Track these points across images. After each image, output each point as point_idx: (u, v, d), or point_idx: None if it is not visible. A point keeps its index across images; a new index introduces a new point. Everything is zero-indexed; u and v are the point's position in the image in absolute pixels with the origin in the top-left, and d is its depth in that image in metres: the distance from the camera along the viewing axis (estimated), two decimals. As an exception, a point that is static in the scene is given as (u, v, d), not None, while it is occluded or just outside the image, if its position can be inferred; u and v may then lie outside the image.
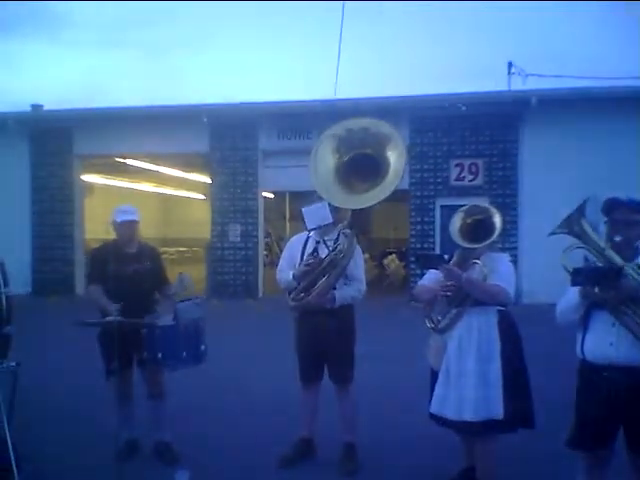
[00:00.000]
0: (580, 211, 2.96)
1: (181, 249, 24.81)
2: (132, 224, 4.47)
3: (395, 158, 4.04)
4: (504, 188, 13.18)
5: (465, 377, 3.54)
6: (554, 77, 22.43)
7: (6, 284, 3.65)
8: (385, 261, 16.30)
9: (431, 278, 3.78)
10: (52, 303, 12.80)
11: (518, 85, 17.90)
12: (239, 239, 14.12)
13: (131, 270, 4.39)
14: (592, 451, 3.02)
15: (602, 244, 2.88)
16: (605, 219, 2.95)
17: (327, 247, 4.12)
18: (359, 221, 4.20)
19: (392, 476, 4.06)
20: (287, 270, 4.23)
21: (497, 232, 3.52)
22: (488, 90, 13.44)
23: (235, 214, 14.22)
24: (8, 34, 60.35)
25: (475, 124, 13.18)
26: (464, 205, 3.75)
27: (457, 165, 13.57)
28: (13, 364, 3.69)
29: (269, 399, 5.70)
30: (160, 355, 4.01)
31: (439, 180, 13.67)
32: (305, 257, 4.15)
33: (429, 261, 3.80)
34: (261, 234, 14.53)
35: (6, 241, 14.40)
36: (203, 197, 21.49)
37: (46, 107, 15.99)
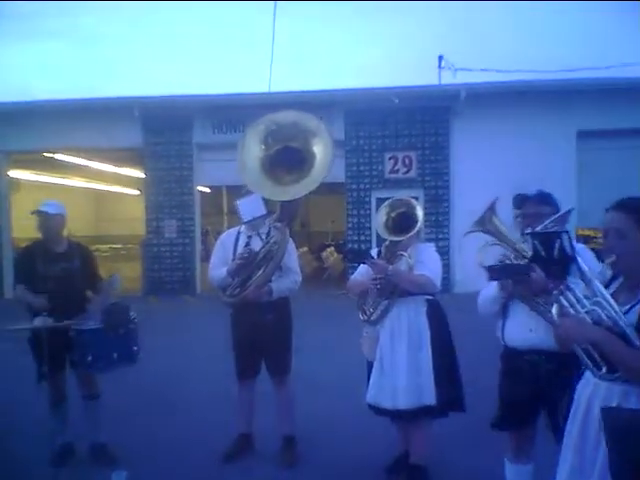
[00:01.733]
0: (492, 210, 3.10)
1: (115, 246, 24.22)
2: (52, 217, 4.33)
3: (321, 151, 4.09)
4: (437, 180, 13.51)
5: (398, 366, 3.66)
6: (481, 71, 23.10)
7: None
8: (323, 254, 16.42)
9: (362, 272, 3.87)
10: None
11: (448, 79, 18.36)
12: (175, 235, 13.93)
13: (59, 269, 4.29)
14: (517, 430, 3.18)
15: (513, 239, 3.03)
16: (517, 213, 3.11)
17: (261, 239, 4.14)
18: (288, 213, 4.24)
19: (330, 466, 4.13)
20: (220, 267, 4.22)
21: (419, 224, 3.65)
22: (420, 84, 13.70)
23: (171, 209, 14.01)
24: None
25: (408, 117, 13.44)
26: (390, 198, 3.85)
27: (391, 158, 13.81)
28: None
29: (207, 396, 5.68)
30: (90, 358, 3.97)
31: (374, 173, 13.88)
32: (238, 252, 4.16)
33: (356, 256, 3.89)
34: (198, 229, 14.37)
35: None
36: (137, 192, 21.04)
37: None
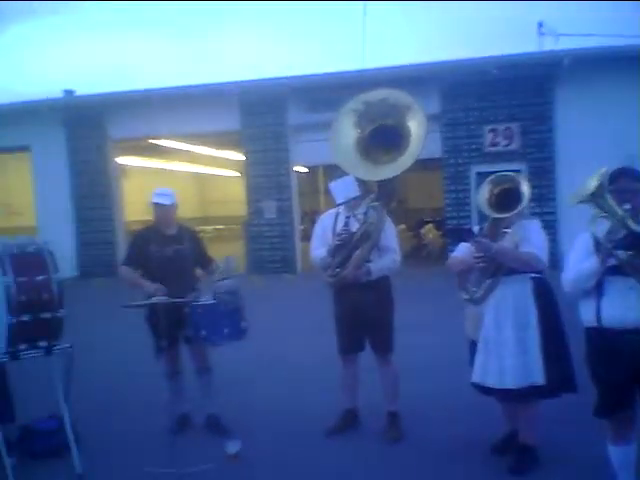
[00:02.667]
0: (602, 183, 2.96)
1: (218, 227, 25.12)
2: (168, 207, 4.59)
3: (416, 127, 4.07)
4: (541, 152, 12.96)
5: (504, 345, 3.60)
6: (585, 36, 21.53)
7: (56, 270, 3.82)
8: (422, 231, 16.27)
9: (463, 249, 3.82)
10: (98, 286, 13.17)
11: (550, 46, 17.44)
12: (275, 215, 14.26)
13: (171, 251, 4.54)
14: (618, 414, 3.07)
15: (622, 213, 2.89)
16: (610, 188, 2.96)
17: (357, 221, 4.18)
18: (386, 192, 4.25)
19: (435, 443, 4.15)
20: (320, 247, 4.31)
21: (525, 200, 3.53)
22: (519, 52, 13.11)
23: (269, 190, 14.33)
24: (37, 21, 61.11)
25: (507, 88, 12.92)
26: (497, 172, 3.76)
27: (491, 130, 13.38)
28: (67, 345, 3.89)
29: (312, 371, 5.85)
30: (203, 332, 4.17)
31: (473, 147, 13.52)
32: (337, 232, 4.23)
33: (459, 235, 3.83)
34: (296, 209, 14.63)
35: (51, 227, 14.93)
36: (238, 174, 21.65)
37: (78, 92, 16.27)
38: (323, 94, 13.51)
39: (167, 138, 16.91)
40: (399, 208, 20.81)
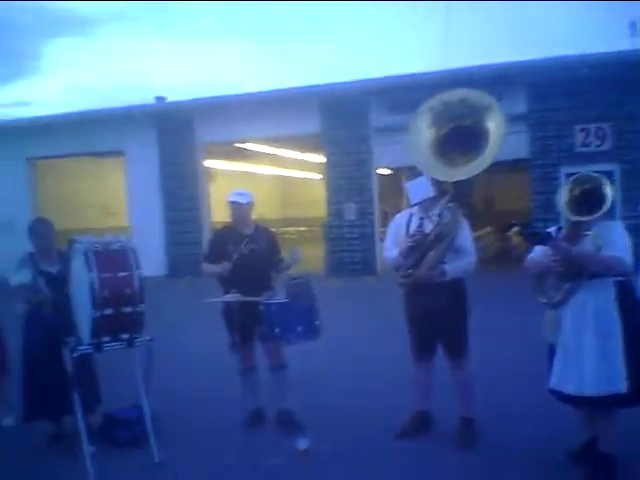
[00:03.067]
0: None
1: (301, 229, 25.47)
2: (244, 206, 4.71)
3: (494, 128, 3.98)
4: (633, 152, 12.31)
5: (584, 352, 3.44)
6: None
7: (138, 267, 4.00)
8: (509, 234, 15.84)
9: (540, 251, 3.68)
10: (185, 284, 13.66)
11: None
12: (354, 217, 14.29)
13: (248, 250, 4.65)
14: None
15: None
16: None
17: (431, 222, 4.13)
18: (462, 193, 4.18)
19: (510, 451, 4.03)
20: (393, 248, 4.29)
21: (608, 203, 3.36)
22: (610, 50, 12.48)
23: (350, 192, 14.39)
24: (131, 31, 64.29)
25: (598, 87, 12.35)
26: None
27: (582, 130, 12.84)
28: (148, 338, 4.07)
29: (388, 372, 5.82)
30: (277, 330, 4.24)
31: (563, 147, 13.03)
32: (410, 233, 4.19)
33: (536, 238, 3.70)
34: (377, 211, 14.60)
35: (142, 227, 15.64)
36: (320, 177, 21.89)
37: (169, 99, 16.97)
38: (406, 95, 13.40)
39: (252, 142, 17.35)
40: (486, 210, 20.36)
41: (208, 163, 17.96)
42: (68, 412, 4.13)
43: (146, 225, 15.48)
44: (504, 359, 6.05)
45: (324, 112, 14.51)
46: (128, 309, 3.90)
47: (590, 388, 3.40)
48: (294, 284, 4.36)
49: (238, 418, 4.40)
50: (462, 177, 4.09)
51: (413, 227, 4.23)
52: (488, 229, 16.18)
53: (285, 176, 26.71)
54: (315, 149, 17.92)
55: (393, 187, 19.92)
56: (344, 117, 14.32)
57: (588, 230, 3.50)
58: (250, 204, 4.77)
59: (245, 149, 18.21)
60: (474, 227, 4.65)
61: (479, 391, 4.29)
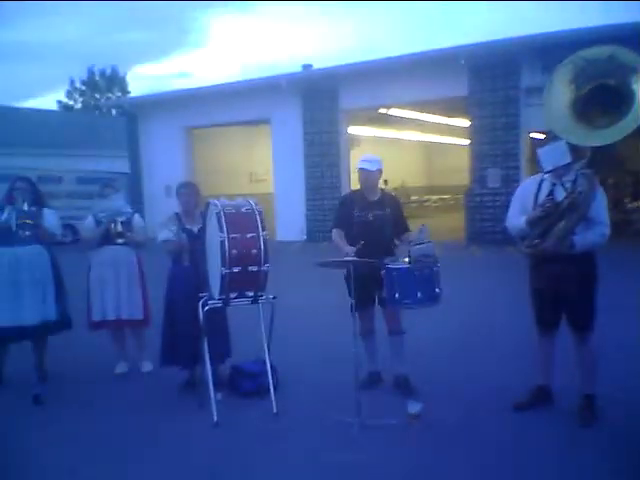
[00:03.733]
0: None
1: (444, 197, 25.01)
2: (373, 173, 4.74)
3: None
4: None
5: None
6: None
7: (264, 229, 4.21)
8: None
9: None
10: (323, 249, 14.03)
11: None
12: (499, 184, 13.73)
13: (372, 216, 4.69)
14: None
15: None
16: None
17: (565, 189, 3.89)
18: (600, 159, 3.88)
19: (631, 429, 3.82)
20: (518, 215, 4.11)
21: None
22: None
23: (495, 158, 13.83)
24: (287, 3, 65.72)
25: None
26: None
27: None
28: (271, 297, 4.30)
29: (512, 342, 5.66)
30: (397, 295, 4.26)
31: None
32: (540, 201, 3.98)
33: None
34: (524, 178, 13.90)
35: (286, 194, 16.27)
36: (468, 142, 21.26)
37: (315, 66, 17.26)
38: (561, 53, 12.41)
39: (396, 107, 17.19)
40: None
41: (352, 130, 18.12)
42: (200, 361, 4.49)
43: (289, 192, 16.08)
44: (626, 336, 5.72)
45: (472, 73, 13.99)
46: (254, 268, 4.14)
47: None
48: (417, 250, 4.33)
49: (356, 378, 4.52)
50: (603, 142, 3.79)
51: (543, 194, 4.02)
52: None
53: (431, 142, 26.22)
54: (463, 113, 17.35)
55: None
56: (493, 78, 13.72)
57: None
58: (379, 171, 4.79)
59: (389, 115, 18.08)
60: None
61: (601, 367, 4.06)
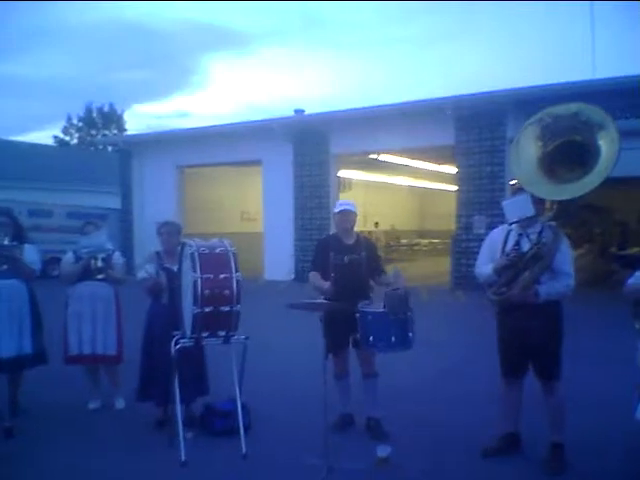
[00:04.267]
0: None
1: (434, 241, 25.20)
2: (352, 214, 4.85)
3: (607, 146, 3.78)
4: None
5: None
6: None
7: (237, 270, 4.29)
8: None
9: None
10: (309, 289, 14.06)
11: None
12: (484, 230, 13.88)
13: (347, 259, 4.78)
14: None
15: None
16: None
17: (529, 240, 4.01)
18: (565, 212, 4.02)
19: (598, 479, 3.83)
20: (487, 263, 4.21)
21: None
22: None
23: (481, 205, 14.05)
24: (284, 46, 67.31)
25: None
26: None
27: None
28: (243, 337, 4.35)
29: (486, 388, 5.69)
30: (371, 338, 4.31)
31: None
32: (507, 250, 4.10)
33: (629, 262, 3.47)
34: (508, 226, 14.10)
35: (275, 234, 16.38)
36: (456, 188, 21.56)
37: (307, 111, 17.63)
38: (545, 106, 12.85)
39: (386, 153, 17.51)
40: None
41: (343, 173, 18.40)
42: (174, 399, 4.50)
43: (278, 232, 16.21)
44: (597, 385, 5.78)
45: (458, 124, 14.34)
46: (226, 308, 4.21)
47: None
48: (392, 295, 4.41)
49: (327, 420, 4.54)
50: (569, 196, 3.92)
51: (510, 244, 4.14)
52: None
53: (422, 187, 26.58)
54: (451, 161, 17.71)
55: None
56: (479, 129, 14.06)
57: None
58: (354, 214, 4.91)
59: (378, 160, 18.41)
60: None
61: (570, 416, 4.10)
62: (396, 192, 26.14)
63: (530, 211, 3.97)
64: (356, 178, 21.94)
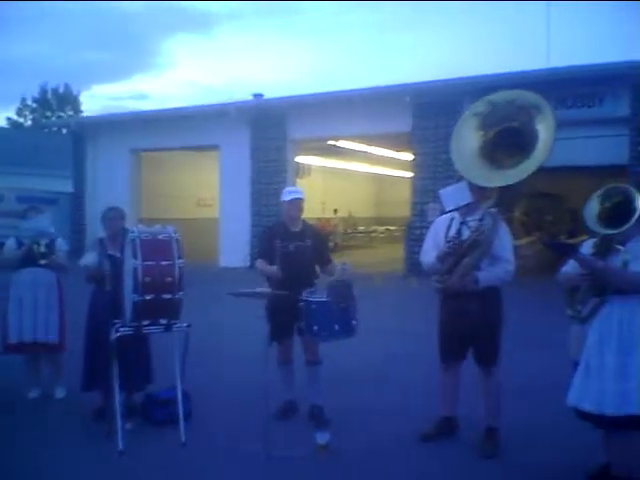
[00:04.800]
0: None
1: (391, 228, 25.36)
2: (302, 201, 4.87)
3: (544, 129, 3.86)
4: None
5: (605, 369, 3.31)
6: None
7: (180, 257, 4.23)
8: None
9: (572, 264, 3.55)
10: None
11: None
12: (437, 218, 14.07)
13: (293, 247, 4.78)
14: None
15: None
16: None
17: (469, 228, 4.07)
18: (507, 199, 4.09)
19: (530, 464, 3.93)
20: (431, 252, 4.26)
21: (635, 216, 3.18)
22: None
23: (436, 193, 14.15)
24: (245, 28, 66.52)
25: None
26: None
27: (688, 136, 11.98)
28: (185, 325, 4.31)
29: (428, 373, 5.78)
30: (315, 327, 4.33)
31: (665, 153, 12.20)
32: (448, 239, 4.15)
33: (561, 250, 3.56)
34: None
35: (231, 220, 16.23)
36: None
37: (266, 96, 17.47)
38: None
39: (344, 139, 17.51)
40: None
41: (302, 159, 18.32)
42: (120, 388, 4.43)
43: (234, 218, 16.08)
44: (534, 369, 5.95)
45: (416, 111, 14.43)
46: (168, 296, 4.15)
47: (608, 407, 3.26)
48: (335, 284, 4.44)
49: (271, 408, 4.55)
50: (506, 182, 4.01)
51: (452, 232, 4.19)
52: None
53: (379, 174, 26.68)
54: (408, 148, 17.81)
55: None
56: (435, 116, 14.14)
57: (622, 244, 3.35)
58: (301, 200, 4.90)
59: (338, 146, 18.39)
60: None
61: (505, 401, 4.20)
62: (354, 178, 26.20)
63: (467, 198, 4.03)
64: (315, 164, 21.90)
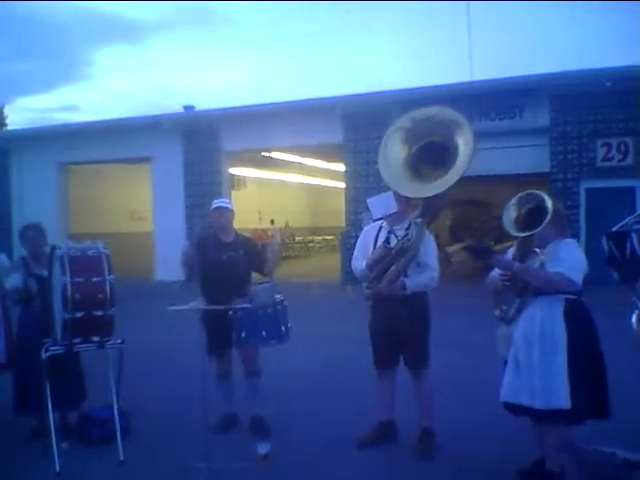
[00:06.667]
0: None
1: (327, 237, 25.61)
2: (230, 211, 4.92)
3: (463, 144, 4.07)
4: (656, 168, 12.08)
5: (532, 366, 3.50)
6: None
7: (110, 273, 4.19)
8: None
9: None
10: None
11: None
12: (371, 227, 14.35)
13: (225, 257, 4.80)
14: None
15: None
16: None
17: (396, 236, 4.22)
18: (431, 209, 4.27)
19: (466, 463, 4.08)
20: (361, 259, 4.39)
21: (547, 218, 3.40)
22: (635, 64, 12.30)
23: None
24: (176, 39, 65.78)
25: (622, 100, 12.22)
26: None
27: (604, 145, 12.69)
28: (119, 341, 4.26)
29: (364, 382, 5.89)
30: (243, 334, 4.33)
31: (584, 161, 12.91)
32: (377, 246, 4.29)
33: (480, 254, 3.76)
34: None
35: (166, 233, 15.98)
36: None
37: (198, 108, 17.36)
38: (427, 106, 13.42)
39: (277, 150, 17.60)
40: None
41: (236, 171, 18.26)
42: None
43: (169, 231, 15.85)
44: (462, 371, 6.14)
45: (347, 123, 14.67)
46: (99, 312, 4.09)
47: (538, 401, 3.44)
48: (257, 290, 4.46)
49: (211, 421, 4.53)
50: (430, 193, 4.19)
51: (381, 240, 4.33)
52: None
53: (314, 185, 26.89)
54: (340, 158, 18.07)
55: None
56: (365, 128, 14.42)
57: (541, 247, 3.56)
58: (231, 211, 4.94)
59: (272, 157, 18.46)
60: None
61: (439, 403, 4.35)
62: (290, 189, 26.31)
63: (393, 208, 4.19)
64: (250, 176, 21.88)
